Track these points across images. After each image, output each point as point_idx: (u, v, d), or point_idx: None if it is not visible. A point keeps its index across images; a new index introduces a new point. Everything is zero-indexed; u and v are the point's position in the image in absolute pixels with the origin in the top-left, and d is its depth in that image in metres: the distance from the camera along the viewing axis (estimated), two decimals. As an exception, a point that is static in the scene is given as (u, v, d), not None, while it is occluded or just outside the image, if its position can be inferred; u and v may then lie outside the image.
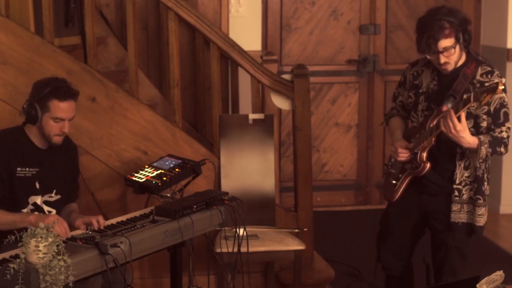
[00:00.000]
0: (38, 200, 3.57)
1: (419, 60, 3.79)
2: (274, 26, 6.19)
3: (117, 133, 4.33)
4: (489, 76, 3.55)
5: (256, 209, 4.26)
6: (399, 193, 3.77)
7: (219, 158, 4.40)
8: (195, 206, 3.54)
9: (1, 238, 3.29)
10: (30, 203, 3.55)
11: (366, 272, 4.77)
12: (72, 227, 3.39)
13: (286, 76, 4.58)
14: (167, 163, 3.92)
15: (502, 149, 3.52)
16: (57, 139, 3.57)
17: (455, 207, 3.63)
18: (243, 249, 3.77)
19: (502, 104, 3.52)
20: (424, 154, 3.63)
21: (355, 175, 6.43)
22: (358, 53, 6.32)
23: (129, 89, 4.42)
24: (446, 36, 3.52)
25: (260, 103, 4.71)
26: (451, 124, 3.40)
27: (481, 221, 3.62)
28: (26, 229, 2.86)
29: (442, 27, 3.53)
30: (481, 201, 3.59)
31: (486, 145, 3.47)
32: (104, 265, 3.03)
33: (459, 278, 3.64)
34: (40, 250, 2.77)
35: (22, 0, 4.40)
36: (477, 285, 2.66)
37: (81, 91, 4.26)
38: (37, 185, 3.57)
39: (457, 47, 3.56)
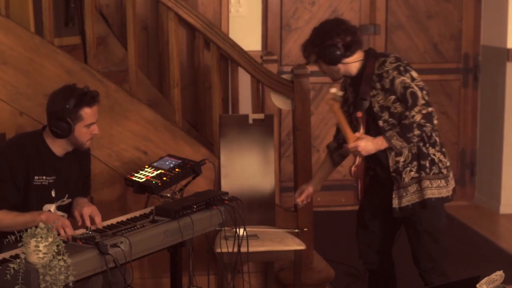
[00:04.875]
0: (52, 208, 3.53)
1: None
2: (274, 26, 6.19)
3: (117, 133, 4.33)
4: (382, 67, 3.62)
5: (256, 209, 4.27)
6: (360, 192, 3.83)
7: (219, 158, 4.40)
8: (195, 206, 3.55)
9: (1, 238, 3.28)
10: (45, 210, 3.50)
11: (366, 272, 4.77)
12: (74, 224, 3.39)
13: (286, 76, 4.58)
14: (167, 163, 3.92)
15: (416, 132, 3.55)
16: (89, 144, 3.58)
17: (398, 193, 3.68)
18: (243, 249, 3.77)
19: (405, 87, 3.57)
20: (357, 160, 3.75)
21: (355, 175, 6.42)
22: (358, 53, 6.31)
23: (129, 89, 4.42)
24: (309, 52, 3.71)
25: (260, 103, 4.72)
26: (354, 150, 3.63)
27: (427, 193, 3.63)
28: (26, 229, 2.85)
29: (305, 46, 3.74)
30: (423, 175, 3.63)
31: (395, 138, 3.57)
32: (104, 265, 3.03)
33: (439, 263, 3.69)
34: (40, 250, 2.77)
35: (22, 0, 4.41)
36: (477, 285, 2.66)
37: (81, 91, 4.27)
38: (53, 194, 3.53)
39: (321, 63, 3.71)
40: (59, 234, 3.17)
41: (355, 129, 3.70)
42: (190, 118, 5.40)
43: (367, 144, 3.62)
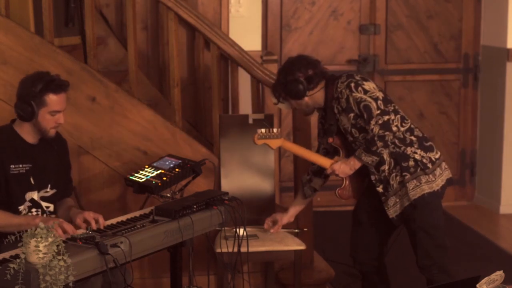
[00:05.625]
0: (35, 195, 3.57)
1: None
2: (274, 26, 6.19)
3: (117, 133, 4.33)
4: (336, 89, 3.71)
5: (256, 209, 4.26)
6: (351, 191, 3.90)
7: (219, 158, 4.40)
8: (195, 206, 3.54)
9: (1, 238, 3.29)
10: (27, 199, 3.55)
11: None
12: (72, 224, 3.38)
13: (286, 76, 4.57)
14: (167, 163, 3.92)
15: (379, 143, 3.60)
16: (53, 132, 3.58)
17: (391, 201, 3.72)
18: (243, 249, 3.77)
19: (358, 102, 3.64)
20: (345, 181, 3.86)
21: (355, 175, 6.42)
22: (358, 53, 6.32)
23: (129, 89, 4.42)
24: (276, 94, 3.84)
25: (260, 103, 4.71)
26: (333, 175, 3.79)
27: (417, 192, 3.66)
28: (26, 229, 2.86)
29: (272, 90, 3.89)
30: (408, 176, 3.67)
31: (363, 155, 3.66)
32: (104, 265, 3.03)
33: (437, 260, 3.70)
34: (40, 250, 2.77)
35: (22, 0, 4.41)
36: (477, 285, 2.66)
37: (81, 91, 4.28)
38: (32, 181, 3.56)
39: (289, 101, 3.82)
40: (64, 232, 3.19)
41: (337, 155, 3.83)
42: (190, 118, 5.41)
43: (342, 166, 3.74)
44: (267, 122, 4.19)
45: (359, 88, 3.64)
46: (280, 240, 4.13)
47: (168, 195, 3.80)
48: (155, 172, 3.83)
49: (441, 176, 3.73)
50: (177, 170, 3.86)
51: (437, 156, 3.75)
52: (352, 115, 3.67)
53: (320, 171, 3.95)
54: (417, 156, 3.68)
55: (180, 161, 3.94)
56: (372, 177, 3.74)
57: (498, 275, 2.75)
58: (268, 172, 4.39)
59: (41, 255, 2.78)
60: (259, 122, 4.40)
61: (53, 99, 3.50)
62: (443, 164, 3.78)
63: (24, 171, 3.55)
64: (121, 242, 3.11)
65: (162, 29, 5.32)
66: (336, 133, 3.78)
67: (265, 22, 6.14)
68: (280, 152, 6.13)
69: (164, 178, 3.78)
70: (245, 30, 5.74)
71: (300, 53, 3.96)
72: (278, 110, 5.29)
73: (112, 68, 5.34)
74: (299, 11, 6.20)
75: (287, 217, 4.08)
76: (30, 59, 4.17)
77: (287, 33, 6.21)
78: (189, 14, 4.46)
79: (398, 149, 3.67)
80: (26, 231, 2.83)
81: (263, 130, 3.82)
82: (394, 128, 3.61)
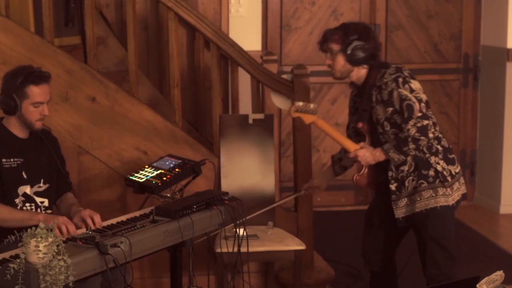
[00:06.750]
0: (28, 190, 3.58)
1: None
2: (274, 26, 6.19)
3: (117, 133, 4.33)
4: (382, 79, 3.64)
5: (256, 209, 4.26)
6: (373, 194, 3.90)
7: (219, 158, 4.40)
8: (195, 206, 3.54)
9: (1, 238, 3.29)
10: (20, 193, 3.56)
11: (366, 272, 4.77)
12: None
13: (286, 76, 4.58)
14: (167, 163, 3.92)
15: (411, 145, 3.57)
16: (39, 124, 3.59)
17: (401, 202, 3.70)
18: (243, 249, 3.77)
19: (402, 99, 3.58)
20: (364, 168, 3.81)
21: (355, 175, 6.42)
22: (358, 53, 6.31)
23: (129, 89, 4.42)
24: (334, 41, 3.70)
25: (260, 103, 4.71)
26: (357, 160, 3.73)
27: (431, 203, 3.64)
28: (26, 229, 2.85)
29: (337, 32, 3.72)
30: (424, 185, 3.63)
31: (391, 151, 3.61)
32: (104, 265, 3.03)
33: (444, 270, 3.68)
34: (40, 250, 2.77)
35: (22, 0, 4.41)
36: (477, 285, 2.66)
37: (81, 91, 4.28)
38: (24, 175, 3.58)
39: (341, 56, 3.69)
40: (61, 233, 3.19)
41: (362, 139, 3.76)
42: (190, 118, 5.40)
43: (366, 155, 3.69)
44: (269, 121, 4.18)
45: (406, 85, 3.58)
46: (280, 240, 4.13)
47: (168, 195, 3.80)
48: (155, 172, 3.83)
49: (457, 190, 3.70)
50: (177, 170, 3.86)
51: (457, 170, 3.71)
52: (390, 109, 3.61)
53: None
54: (438, 167, 3.64)
55: (180, 161, 3.94)
56: (389, 174, 3.69)
57: (498, 275, 2.75)
58: (268, 172, 4.38)
59: (41, 255, 2.78)
60: (259, 122, 4.41)
61: (34, 91, 3.52)
62: (462, 178, 3.74)
63: (15, 165, 3.56)
64: (121, 242, 3.11)
65: (162, 29, 5.32)
66: (367, 120, 3.72)
67: (265, 22, 6.14)
68: (280, 152, 6.13)
69: (164, 178, 3.78)
70: (245, 30, 5.74)
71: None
72: (278, 110, 5.30)
73: (112, 68, 5.33)
74: (299, 11, 6.20)
75: (318, 180, 4.11)
76: (30, 59, 4.17)
77: (287, 33, 6.21)
78: (189, 14, 4.46)
79: (422, 155, 3.63)
80: (26, 230, 2.83)
81: (300, 103, 3.76)
82: (430, 135, 3.56)
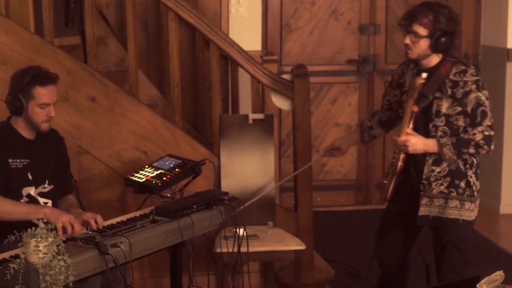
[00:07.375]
0: (32, 191, 3.57)
1: (405, 60, 3.83)
2: (274, 26, 6.19)
3: (117, 133, 4.33)
4: (461, 75, 3.56)
5: (256, 209, 4.26)
6: (390, 191, 3.74)
7: (219, 158, 4.40)
8: (195, 206, 3.54)
9: (1, 238, 3.29)
10: (24, 194, 3.55)
11: (366, 272, 4.76)
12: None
13: (286, 76, 4.58)
14: (167, 163, 3.92)
15: (472, 150, 3.53)
16: (45, 126, 3.58)
17: (423, 200, 3.65)
18: (243, 249, 3.77)
19: (479, 103, 3.53)
20: (401, 156, 3.66)
21: (355, 175, 6.43)
22: (358, 53, 6.32)
23: (129, 89, 4.42)
24: (423, 24, 3.56)
25: (260, 103, 4.71)
26: (402, 145, 3.56)
27: (454, 213, 3.62)
28: (26, 229, 2.86)
29: (426, 15, 3.56)
30: (453, 194, 3.60)
31: (448, 147, 3.52)
32: (104, 265, 3.03)
33: (460, 274, 3.66)
34: (40, 250, 2.77)
35: (22, 0, 4.41)
36: (477, 285, 2.66)
37: (81, 91, 4.28)
38: (30, 176, 3.57)
39: (425, 41, 3.56)
40: (64, 232, 3.20)
41: (394, 117, 3.71)
42: (190, 118, 5.41)
43: (418, 143, 3.57)
44: (269, 121, 4.18)
45: (484, 91, 3.54)
46: (280, 240, 4.13)
47: (168, 195, 3.80)
48: (155, 172, 3.83)
49: (477, 207, 3.70)
50: (177, 170, 3.86)
51: (479, 187, 3.69)
52: (459, 109, 3.54)
53: (387, 123, 3.86)
54: (471, 181, 3.62)
55: (180, 161, 3.94)
56: (413, 169, 3.65)
57: (498, 275, 2.74)
58: (268, 172, 4.38)
59: (41, 255, 2.78)
60: (259, 122, 4.41)
61: (40, 92, 3.51)
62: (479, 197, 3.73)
63: (21, 166, 3.55)
64: (121, 242, 3.11)
65: (162, 29, 5.32)
66: (423, 106, 3.60)
67: (265, 22, 6.14)
68: (280, 152, 6.14)
69: (164, 178, 3.78)
70: (245, 30, 5.74)
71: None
72: (278, 110, 5.30)
73: (112, 68, 5.34)
74: (299, 11, 6.21)
75: (341, 142, 4.02)
76: (30, 59, 4.17)
77: (287, 33, 6.21)
78: (189, 14, 4.46)
79: (463, 165, 3.59)
80: (26, 229, 2.83)
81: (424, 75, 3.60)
82: (492, 147, 3.54)
